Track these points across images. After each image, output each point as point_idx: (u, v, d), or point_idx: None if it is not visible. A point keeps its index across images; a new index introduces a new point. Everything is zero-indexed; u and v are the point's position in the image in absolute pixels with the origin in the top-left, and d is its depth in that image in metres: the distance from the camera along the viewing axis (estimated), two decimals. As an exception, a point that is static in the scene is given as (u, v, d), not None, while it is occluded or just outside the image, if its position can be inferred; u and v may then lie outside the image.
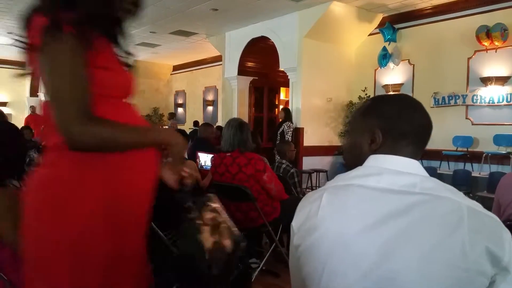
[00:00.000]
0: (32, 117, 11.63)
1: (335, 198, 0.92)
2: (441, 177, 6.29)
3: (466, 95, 6.58)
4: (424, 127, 1.01)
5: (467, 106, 6.62)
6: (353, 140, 1.04)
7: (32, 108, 11.96)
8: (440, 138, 6.86)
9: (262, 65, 9.33)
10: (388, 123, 0.98)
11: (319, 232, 0.90)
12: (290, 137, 7.18)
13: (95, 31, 1.07)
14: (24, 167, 1.69)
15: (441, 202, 0.84)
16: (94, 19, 1.07)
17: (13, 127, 1.81)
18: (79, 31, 1.01)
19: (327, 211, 0.91)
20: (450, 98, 6.77)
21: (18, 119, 11.29)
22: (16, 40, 1.16)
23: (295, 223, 0.97)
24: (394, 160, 0.94)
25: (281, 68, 8.08)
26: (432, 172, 6.36)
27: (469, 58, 6.57)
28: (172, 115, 12.43)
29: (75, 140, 1.00)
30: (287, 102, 9.32)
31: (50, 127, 1.06)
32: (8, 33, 9.58)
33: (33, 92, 13.18)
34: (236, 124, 3.12)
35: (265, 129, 9.76)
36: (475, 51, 6.48)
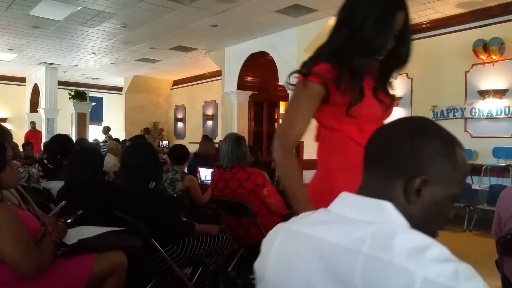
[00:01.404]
0: (32, 133, 11.62)
1: (284, 247, 0.79)
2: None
3: (465, 108, 6.60)
4: (388, 140, 0.77)
5: (465, 119, 6.63)
6: None
7: (32, 123, 11.97)
8: (440, 151, 6.87)
9: (261, 80, 9.38)
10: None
11: (263, 284, 0.82)
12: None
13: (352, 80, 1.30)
14: None
15: (386, 272, 0.62)
16: (355, 72, 1.31)
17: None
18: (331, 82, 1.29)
19: (272, 262, 0.80)
20: (449, 111, 6.78)
21: (18, 135, 11.30)
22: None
23: (256, 265, 0.87)
24: (355, 202, 0.76)
25: (280, 83, 8.12)
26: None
27: (466, 72, 6.61)
28: (147, 131, 12.25)
29: (274, 155, 1.35)
30: (286, 116, 9.33)
31: (320, 153, 1.48)
32: (9, 49, 9.64)
33: (33, 108, 13.22)
34: (233, 139, 3.11)
35: (265, 143, 9.75)
36: (473, 65, 6.52)
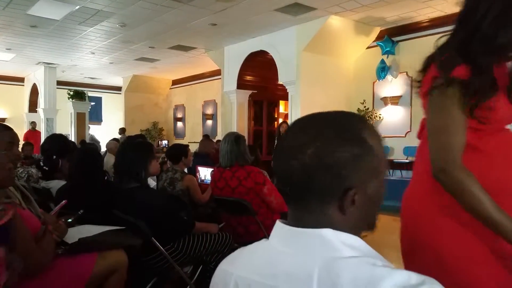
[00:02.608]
0: (32, 133, 11.60)
1: None
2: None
3: (465, 107, 6.58)
4: (305, 173, 0.66)
5: (466, 117, 6.62)
6: None
7: (33, 124, 11.97)
8: (440, 150, 6.87)
9: (261, 79, 9.37)
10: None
11: None
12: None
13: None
14: None
15: None
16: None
17: None
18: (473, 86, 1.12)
19: None
20: (449, 109, 6.77)
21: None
22: (414, 81, 1.32)
23: None
24: (291, 234, 0.69)
25: (280, 82, 8.11)
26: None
27: (467, 70, 6.60)
28: (123, 130, 12.32)
29: (440, 179, 1.14)
30: (286, 115, 9.34)
31: (423, 151, 1.27)
32: (7, 49, 9.62)
33: (32, 108, 13.20)
34: (232, 138, 3.10)
35: (265, 142, 9.74)
36: (473, 63, 6.51)
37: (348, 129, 0.68)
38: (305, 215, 0.69)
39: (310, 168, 0.65)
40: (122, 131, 11.77)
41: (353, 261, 0.62)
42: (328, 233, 0.65)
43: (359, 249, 0.65)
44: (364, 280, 0.58)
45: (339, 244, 0.64)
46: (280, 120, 9.19)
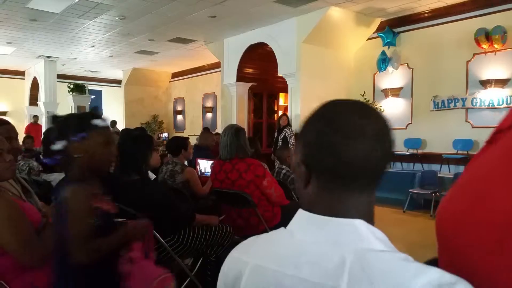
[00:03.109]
0: (33, 126, 11.62)
1: (253, 285, 0.70)
2: (442, 181, 6.26)
3: (466, 98, 6.57)
4: (366, 157, 0.64)
5: (466, 109, 6.61)
6: (293, 169, 0.75)
7: (35, 117, 11.98)
8: (440, 142, 6.86)
9: (260, 71, 9.34)
10: (308, 152, 0.69)
11: None
12: (294, 142, 7.17)
13: None
14: None
15: None
16: None
17: None
18: None
19: None
20: (450, 101, 6.76)
21: (18, 129, 11.25)
22: None
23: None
24: (320, 224, 0.66)
25: (279, 74, 8.08)
26: (432, 175, 6.34)
27: (468, 61, 6.57)
28: (114, 123, 12.34)
29: None
30: (286, 108, 9.32)
31: None
32: (7, 43, 9.59)
33: (33, 102, 13.20)
34: (232, 131, 3.10)
35: (265, 134, 9.74)
36: (474, 54, 6.48)
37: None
38: (339, 202, 0.67)
39: (377, 155, 0.65)
40: (113, 123, 11.64)
41: (387, 255, 0.60)
42: (361, 224, 0.64)
43: (388, 244, 0.64)
44: (397, 275, 0.57)
45: (371, 236, 0.63)
46: (280, 113, 9.18)
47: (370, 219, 0.67)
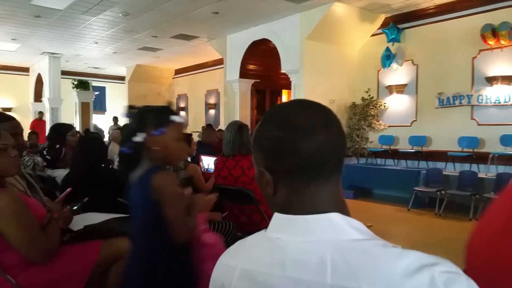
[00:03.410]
0: (38, 122, 11.68)
1: None
2: (447, 179, 6.23)
3: (471, 95, 6.53)
4: (321, 148, 0.66)
5: (472, 106, 6.56)
6: (258, 180, 0.74)
7: (40, 114, 12.03)
8: (445, 139, 6.82)
9: (263, 68, 9.32)
10: (269, 159, 0.69)
11: None
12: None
13: None
14: None
15: None
16: None
17: None
18: None
19: None
20: (455, 98, 6.71)
21: (23, 124, 11.29)
22: None
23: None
24: (296, 223, 0.66)
25: (282, 70, 8.06)
26: (437, 173, 6.31)
27: (473, 58, 6.52)
28: (116, 119, 12.39)
29: None
30: (290, 105, 9.30)
31: None
32: (12, 39, 9.61)
33: (37, 98, 13.25)
34: (235, 127, 3.09)
35: (268, 131, 9.72)
36: (480, 50, 6.43)
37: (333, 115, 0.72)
38: (309, 199, 0.67)
39: (332, 142, 0.67)
40: (115, 120, 11.76)
41: (365, 243, 0.61)
42: (336, 217, 0.64)
43: (366, 232, 0.64)
44: (378, 262, 0.58)
45: (348, 227, 0.64)
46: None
47: (343, 208, 0.68)
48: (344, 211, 0.67)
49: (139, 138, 1.48)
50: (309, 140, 0.65)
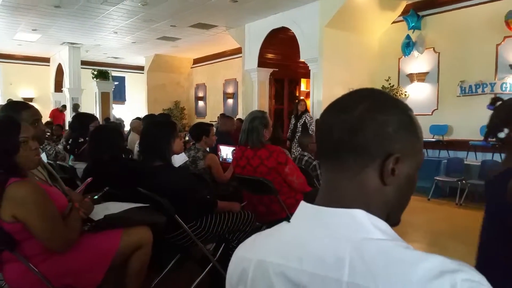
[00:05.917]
0: (59, 114, 11.95)
1: (258, 284, 0.69)
2: (469, 168, 6.11)
3: (495, 83, 6.34)
4: (331, 128, 0.66)
5: (495, 94, 6.38)
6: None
7: (63, 107, 12.26)
8: (467, 128, 6.67)
9: (282, 57, 9.24)
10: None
11: None
12: (314, 128, 7.11)
13: None
14: None
15: None
16: None
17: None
18: None
19: None
20: (478, 86, 6.54)
21: (44, 114, 11.58)
22: None
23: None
24: (321, 216, 0.65)
25: (301, 59, 7.98)
26: (458, 163, 6.19)
27: (497, 45, 6.32)
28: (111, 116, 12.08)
29: None
30: (307, 94, 9.22)
31: None
32: (33, 30, 9.77)
33: (58, 88, 13.51)
34: (251, 117, 3.06)
35: (286, 121, 9.68)
36: (505, 37, 6.22)
37: (398, 101, 0.69)
38: (338, 187, 0.66)
39: (359, 121, 0.64)
40: (75, 108, 11.22)
41: (386, 243, 0.59)
42: (360, 214, 0.63)
43: (389, 233, 0.63)
44: (399, 262, 0.56)
45: (371, 226, 0.62)
46: (299, 99, 9.09)
47: (372, 206, 0.64)
48: (373, 209, 0.64)
49: (502, 134, 1.44)
50: (327, 120, 0.67)
